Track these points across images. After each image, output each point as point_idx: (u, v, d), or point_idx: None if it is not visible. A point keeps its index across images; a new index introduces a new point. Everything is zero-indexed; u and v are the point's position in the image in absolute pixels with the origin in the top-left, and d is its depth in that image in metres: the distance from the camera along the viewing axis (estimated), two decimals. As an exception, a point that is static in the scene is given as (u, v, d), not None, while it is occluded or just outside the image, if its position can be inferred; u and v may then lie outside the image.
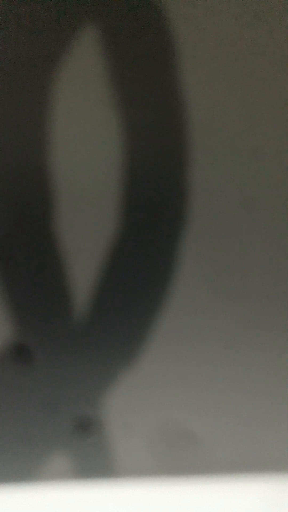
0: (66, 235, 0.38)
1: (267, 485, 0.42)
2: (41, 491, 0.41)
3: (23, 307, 0.39)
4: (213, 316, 0.40)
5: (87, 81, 0.36)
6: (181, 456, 0.42)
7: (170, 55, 0.36)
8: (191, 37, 0.36)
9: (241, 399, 0.41)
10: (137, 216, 0.38)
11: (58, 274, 0.38)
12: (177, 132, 0.37)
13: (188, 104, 0.37)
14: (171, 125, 0.37)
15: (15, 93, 0.36)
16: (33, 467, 0.41)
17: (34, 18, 0.35)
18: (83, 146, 0.37)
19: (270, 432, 0.42)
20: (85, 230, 0.38)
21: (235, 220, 0.38)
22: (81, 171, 0.37)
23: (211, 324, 0.40)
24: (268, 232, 0.39)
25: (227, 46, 0.36)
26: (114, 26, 0.36)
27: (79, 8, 0.35)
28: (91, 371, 0.40)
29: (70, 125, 0.37)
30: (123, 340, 0.39)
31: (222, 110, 0.37)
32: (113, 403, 0.40)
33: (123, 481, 0.41)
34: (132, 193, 0.37)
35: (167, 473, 0.42)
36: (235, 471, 0.42)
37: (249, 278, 0.39)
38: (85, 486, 0.41)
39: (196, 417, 0.41)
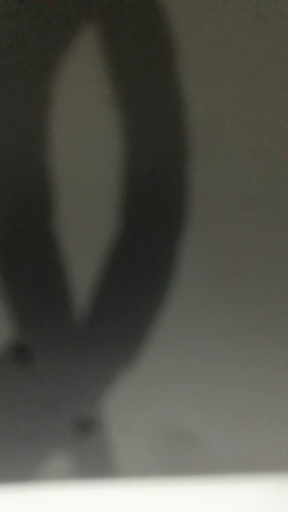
0: (66, 235, 0.38)
1: (267, 485, 0.42)
2: (41, 491, 0.41)
3: (23, 307, 0.39)
4: (213, 316, 0.40)
5: (87, 81, 0.36)
6: (181, 456, 0.42)
7: (171, 55, 0.36)
8: (191, 37, 0.36)
9: (241, 399, 0.41)
10: (137, 216, 0.38)
11: (58, 274, 0.38)
12: (177, 132, 0.37)
13: (188, 104, 0.37)
14: (171, 125, 0.37)
15: (15, 93, 0.36)
16: (33, 467, 0.41)
17: (34, 18, 0.35)
18: (83, 146, 0.37)
19: (270, 432, 0.42)
20: (85, 230, 0.38)
21: (235, 220, 0.39)
22: (81, 171, 0.37)
23: (211, 324, 0.40)
24: (268, 232, 0.39)
25: (228, 46, 0.36)
26: (114, 26, 0.36)
27: (79, 8, 0.35)
28: (91, 371, 0.40)
29: (70, 125, 0.37)
30: (123, 340, 0.39)
31: (222, 110, 0.37)
32: (113, 403, 0.40)
33: (123, 481, 0.41)
34: (132, 193, 0.37)
35: (167, 473, 0.42)
36: (235, 471, 0.42)
37: (249, 278, 0.39)
38: (85, 486, 0.41)
39: (196, 417, 0.41)
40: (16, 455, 0.41)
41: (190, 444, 0.41)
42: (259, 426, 0.42)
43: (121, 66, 0.36)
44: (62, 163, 0.37)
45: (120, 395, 0.40)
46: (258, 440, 0.42)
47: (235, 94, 0.37)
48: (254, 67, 0.37)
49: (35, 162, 0.37)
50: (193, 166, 0.37)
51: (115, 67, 0.36)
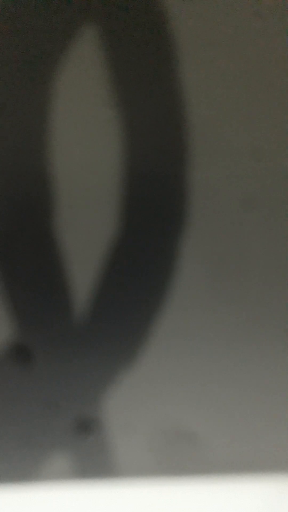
0: (66, 235, 0.38)
1: (267, 485, 0.42)
2: (41, 491, 0.41)
3: (23, 307, 0.39)
4: (213, 315, 0.40)
5: (87, 81, 0.36)
6: (181, 456, 0.42)
7: (170, 54, 0.36)
8: (190, 36, 0.36)
9: (241, 399, 0.41)
10: (137, 216, 0.38)
11: (58, 274, 0.38)
12: (177, 132, 0.37)
13: (188, 104, 0.37)
14: (171, 125, 0.37)
15: (16, 93, 0.36)
16: (33, 467, 0.41)
17: (34, 18, 0.35)
18: (83, 146, 0.37)
19: (270, 432, 0.42)
20: (85, 230, 0.38)
21: (235, 220, 0.39)
22: (81, 171, 0.37)
23: (210, 324, 0.40)
24: (268, 232, 0.39)
25: (227, 45, 0.36)
26: (114, 26, 0.36)
27: (79, 8, 0.35)
28: (91, 371, 0.40)
29: (70, 125, 0.37)
30: (123, 340, 0.39)
31: (222, 110, 0.37)
32: (113, 402, 0.40)
33: (123, 481, 0.41)
34: (132, 193, 0.37)
35: (167, 473, 0.42)
36: (235, 471, 0.42)
37: (249, 278, 0.39)
38: (85, 486, 0.41)
39: (196, 417, 0.41)
40: (16, 455, 0.41)
41: (190, 444, 0.41)
42: (259, 426, 0.42)
43: (121, 66, 0.36)
44: (62, 163, 0.37)
45: (120, 395, 0.40)
46: (258, 440, 0.42)
47: (234, 94, 0.37)
48: (253, 66, 0.37)
49: (35, 162, 0.37)
50: (193, 166, 0.37)
51: (115, 67, 0.36)
